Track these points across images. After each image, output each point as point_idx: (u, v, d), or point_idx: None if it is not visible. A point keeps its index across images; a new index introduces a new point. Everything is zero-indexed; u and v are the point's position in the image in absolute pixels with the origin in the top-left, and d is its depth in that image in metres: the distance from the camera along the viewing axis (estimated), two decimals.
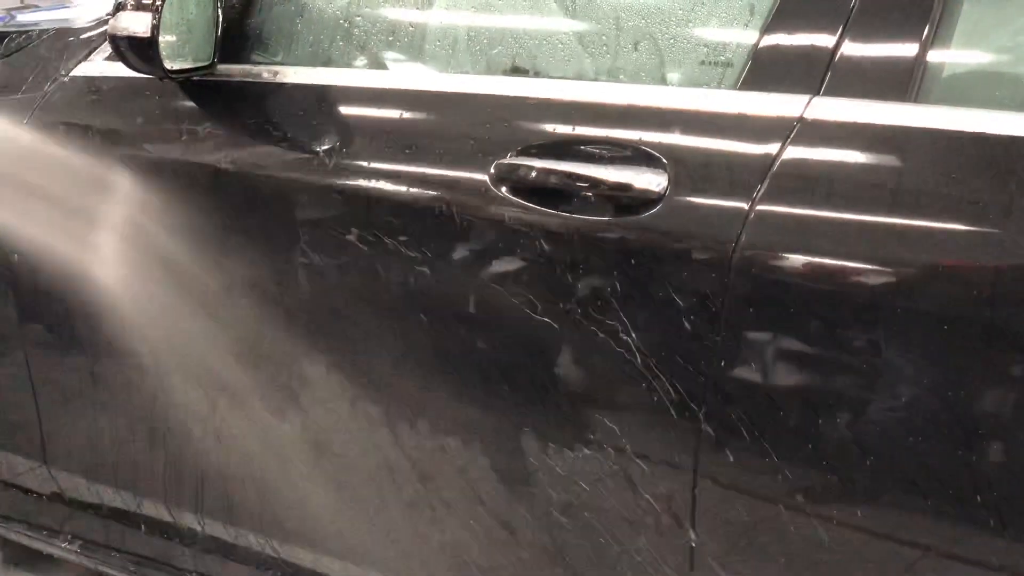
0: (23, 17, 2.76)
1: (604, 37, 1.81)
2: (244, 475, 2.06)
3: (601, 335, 1.64)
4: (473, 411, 1.79)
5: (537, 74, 1.84)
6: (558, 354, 1.69)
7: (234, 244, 1.97)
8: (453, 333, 1.77)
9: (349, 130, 1.89)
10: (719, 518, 1.61)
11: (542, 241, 1.67)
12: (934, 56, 1.54)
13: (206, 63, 1.98)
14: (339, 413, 1.91)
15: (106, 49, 2.14)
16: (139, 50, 1.89)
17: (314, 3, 2.04)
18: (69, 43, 2.25)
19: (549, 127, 1.72)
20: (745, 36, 1.68)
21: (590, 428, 1.69)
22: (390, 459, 1.88)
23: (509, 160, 1.71)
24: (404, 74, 1.97)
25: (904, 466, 1.47)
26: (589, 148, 1.67)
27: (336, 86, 1.94)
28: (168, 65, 1.91)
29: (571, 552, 1.76)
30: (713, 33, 1.75)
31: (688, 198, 1.59)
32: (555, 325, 1.67)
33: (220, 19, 1.98)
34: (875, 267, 1.48)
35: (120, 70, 2.03)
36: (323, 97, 1.93)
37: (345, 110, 1.93)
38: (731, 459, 1.58)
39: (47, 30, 2.37)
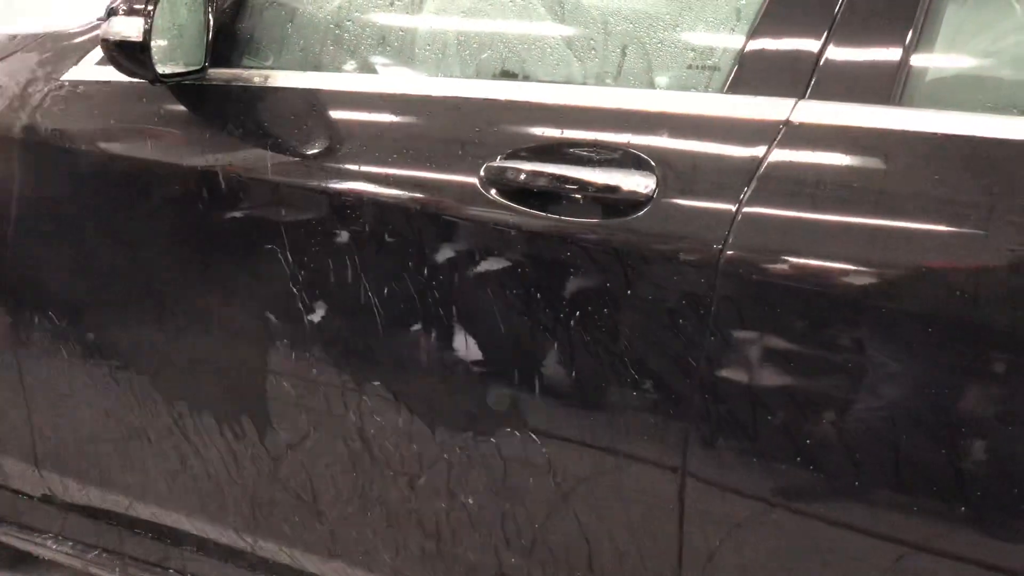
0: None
1: (592, 41, 1.83)
2: (228, 476, 2.07)
3: (589, 336, 1.65)
4: (462, 410, 1.80)
5: (526, 78, 1.85)
6: (547, 354, 1.70)
7: (223, 246, 1.98)
8: (443, 333, 1.78)
9: (340, 134, 1.91)
10: (707, 517, 1.63)
11: (531, 242, 1.69)
12: (917, 60, 1.56)
13: (197, 67, 1.99)
14: (332, 420, 1.93)
15: (97, 54, 2.16)
16: (131, 54, 1.90)
17: (304, 8, 2.06)
18: (60, 48, 2.26)
19: (538, 130, 1.74)
20: (732, 40, 1.70)
21: (578, 428, 1.70)
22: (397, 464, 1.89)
23: (499, 163, 1.72)
24: (394, 78, 1.98)
25: (890, 464, 1.49)
26: (578, 151, 1.69)
27: (327, 90, 1.95)
28: (160, 69, 1.92)
29: (559, 551, 1.78)
30: (700, 37, 1.77)
31: (676, 200, 1.61)
32: (544, 326, 1.68)
33: (211, 24, 1.99)
34: (860, 268, 1.50)
35: (111, 74, 2.04)
36: (314, 101, 1.95)
37: (336, 114, 1.94)
38: (719, 458, 1.60)
39: (36, 35, 2.39)
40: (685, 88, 1.74)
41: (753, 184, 1.56)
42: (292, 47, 2.05)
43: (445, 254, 1.77)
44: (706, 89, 1.70)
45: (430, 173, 1.80)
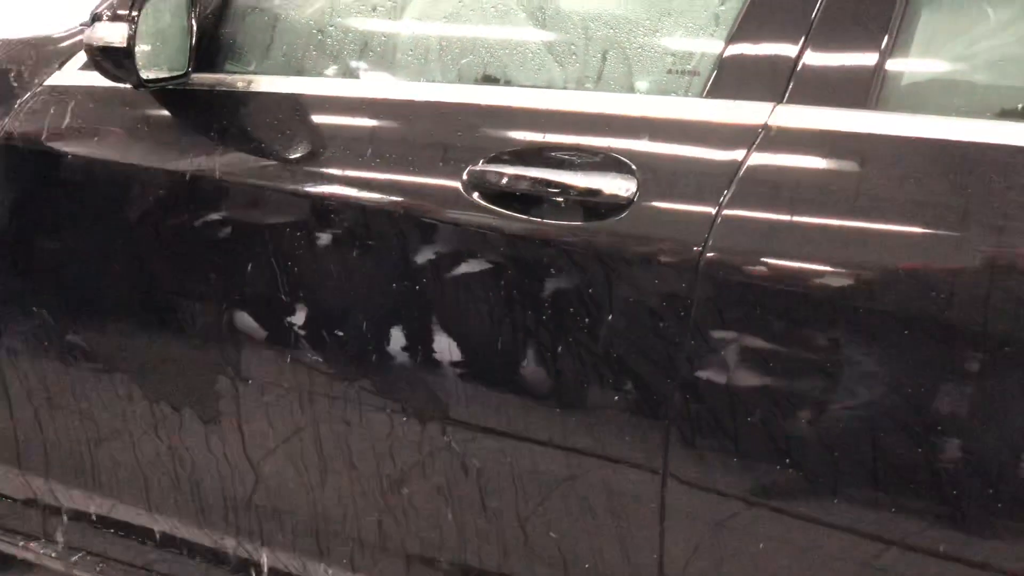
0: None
1: (573, 46, 1.85)
2: (211, 478, 2.09)
3: (570, 337, 1.67)
4: (444, 411, 1.81)
5: (508, 83, 1.87)
6: (529, 356, 1.72)
7: (208, 250, 2.00)
8: (426, 335, 1.80)
9: (323, 138, 1.93)
10: (689, 517, 1.65)
11: (514, 245, 1.71)
12: (893, 65, 1.59)
13: (181, 72, 2.00)
14: (316, 423, 1.94)
15: (80, 59, 2.17)
16: (115, 60, 1.91)
17: (287, 13, 2.07)
18: (43, 53, 2.27)
19: (520, 134, 1.76)
20: (711, 46, 1.72)
21: (559, 429, 1.72)
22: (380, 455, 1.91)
23: (481, 167, 1.74)
24: (377, 83, 2.00)
25: (869, 462, 1.51)
26: (559, 155, 1.71)
27: (310, 95, 1.97)
28: (144, 74, 1.93)
29: (540, 551, 1.80)
30: (680, 43, 1.80)
31: (657, 203, 1.63)
32: (527, 327, 1.70)
33: (194, 29, 2.00)
34: (838, 269, 1.52)
35: (94, 79, 2.06)
36: (297, 106, 1.96)
37: (319, 119, 1.96)
38: (700, 459, 1.62)
39: (19, 40, 2.40)
40: (665, 93, 1.76)
41: (733, 187, 1.58)
42: (275, 52, 2.06)
43: (428, 257, 1.79)
44: (686, 94, 1.72)
45: (413, 177, 1.82)
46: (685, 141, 1.67)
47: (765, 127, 1.60)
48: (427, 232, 1.79)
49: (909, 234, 1.50)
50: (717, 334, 1.58)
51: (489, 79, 1.89)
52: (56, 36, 2.27)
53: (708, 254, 1.57)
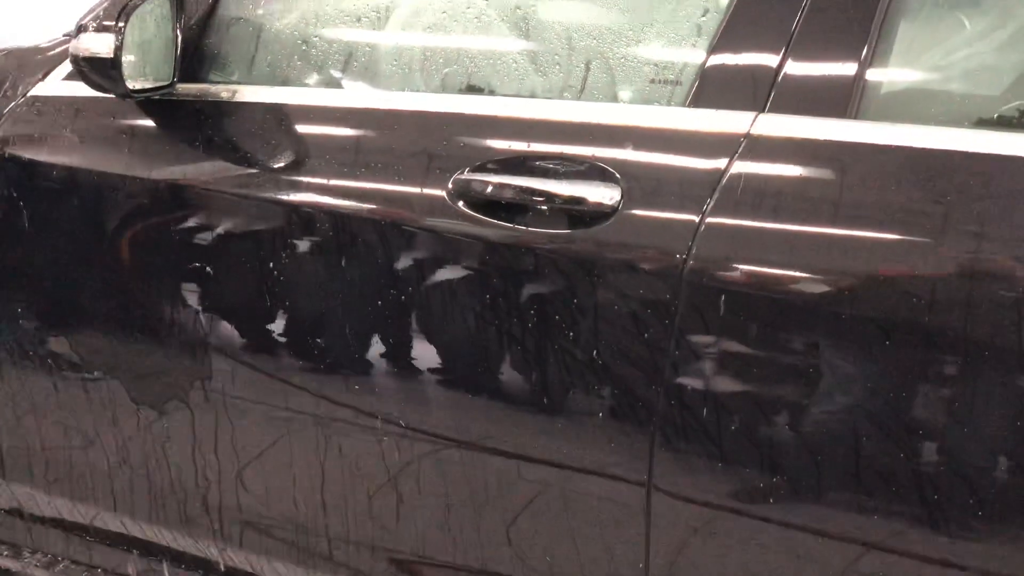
0: None
1: (557, 57, 1.87)
2: (195, 486, 2.09)
3: (556, 345, 1.69)
4: (430, 419, 1.83)
5: (492, 92, 1.89)
6: (515, 364, 1.74)
7: (193, 259, 2.01)
8: (412, 343, 1.81)
9: (308, 148, 1.94)
10: (674, 523, 1.66)
11: (499, 253, 1.73)
12: (873, 75, 1.62)
13: (166, 82, 2.01)
14: (303, 431, 1.95)
15: (64, 69, 2.18)
16: (102, 70, 1.92)
17: (271, 24, 2.09)
18: (26, 64, 2.27)
19: (504, 143, 1.78)
20: (693, 56, 1.75)
21: (545, 435, 1.73)
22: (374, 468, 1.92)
23: (466, 175, 1.76)
24: (362, 93, 2.01)
25: (852, 467, 1.53)
26: (544, 163, 1.72)
27: (295, 105, 1.98)
28: (129, 85, 1.94)
29: (527, 558, 1.81)
30: (662, 53, 1.82)
31: (641, 211, 1.65)
32: (512, 335, 1.72)
33: (179, 39, 2.01)
34: (820, 276, 1.55)
35: (78, 89, 2.07)
36: (282, 116, 1.97)
37: (304, 128, 1.97)
38: (685, 465, 1.63)
39: (2, 51, 2.40)
40: (648, 102, 1.78)
41: (716, 195, 1.60)
42: (260, 62, 2.07)
43: (413, 265, 1.81)
44: (668, 103, 1.75)
45: (398, 186, 1.83)
46: (668, 150, 1.69)
47: (747, 136, 1.62)
48: (413, 240, 1.81)
49: (889, 241, 1.53)
50: (701, 341, 1.60)
51: (473, 89, 1.91)
52: (42, 46, 2.28)
53: (692, 262, 1.59)
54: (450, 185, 1.76)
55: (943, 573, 1.51)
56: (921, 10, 1.69)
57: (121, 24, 1.89)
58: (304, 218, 1.89)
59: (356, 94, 2.00)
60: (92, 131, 2.13)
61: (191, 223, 2.00)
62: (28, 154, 2.16)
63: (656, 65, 1.81)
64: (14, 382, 2.25)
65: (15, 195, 2.18)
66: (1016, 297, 1.44)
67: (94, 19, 1.93)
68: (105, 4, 1.95)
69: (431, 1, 2.04)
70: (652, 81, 1.80)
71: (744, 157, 1.61)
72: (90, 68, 1.93)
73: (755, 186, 1.60)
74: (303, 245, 1.90)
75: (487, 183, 1.74)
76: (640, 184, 1.66)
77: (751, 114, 1.63)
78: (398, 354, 1.82)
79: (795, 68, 1.64)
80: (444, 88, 1.94)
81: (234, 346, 1.99)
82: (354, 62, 2.04)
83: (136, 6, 1.91)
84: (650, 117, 1.72)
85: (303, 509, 1.99)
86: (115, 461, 2.17)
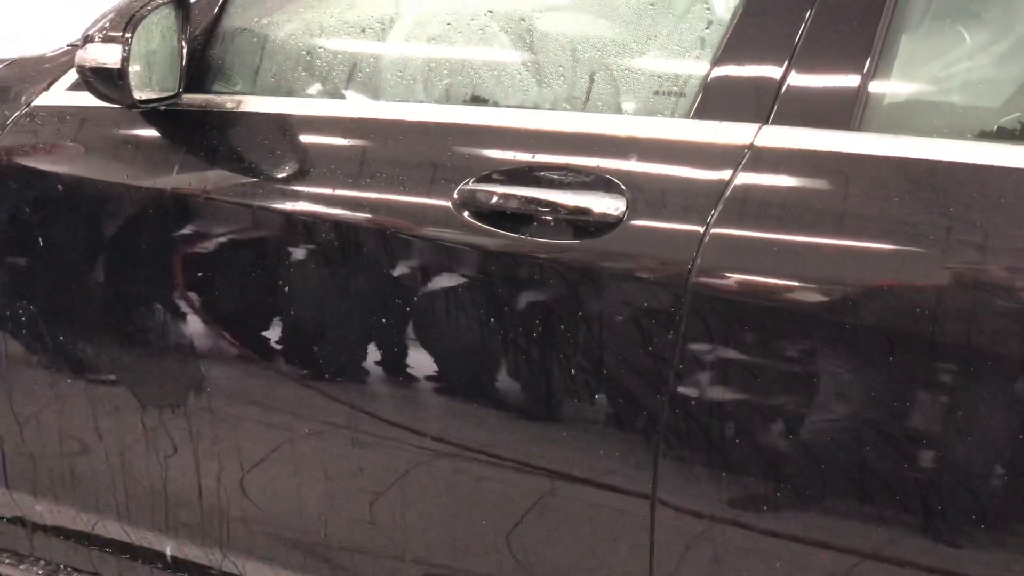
0: None
1: (562, 68, 1.88)
2: (197, 493, 2.10)
3: (561, 354, 1.70)
4: (438, 428, 1.84)
5: (496, 104, 1.91)
6: (519, 372, 1.75)
7: (198, 269, 2.02)
8: (418, 354, 1.83)
9: (314, 158, 1.95)
10: (678, 531, 1.67)
11: (505, 263, 1.74)
12: (875, 87, 1.63)
13: (172, 93, 2.02)
14: (307, 438, 1.96)
15: (67, 80, 2.19)
16: (108, 81, 1.93)
17: (276, 34, 2.10)
18: (29, 74, 2.28)
19: (510, 154, 1.79)
20: (697, 68, 1.76)
21: (548, 444, 1.75)
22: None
23: (471, 186, 1.77)
24: (366, 104, 2.02)
25: (857, 477, 1.54)
26: (549, 174, 1.74)
27: (300, 115, 1.99)
28: (136, 95, 1.95)
29: (530, 568, 1.82)
30: (666, 65, 1.84)
31: (645, 222, 1.67)
32: (517, 344, 1.73)
33: (185, 50, 2.03)
34: (823, 286, 1.56)
35: (81, 100, 2.08)
36: (287, 126, 1.98)
37: (309, 139, 1.98)
38: (689, 475, 1.64)
39: (5, 61, 2.41)
40: (652, 114, 1.80)
41: (720, 206, 1.61)
42: (264, 73, 2.09)
43: (418, 275, 1.82)
44: (672, 115, 1.76)
45: (403, 196, 1.84)
46: (673, 161, 1.70)
47: (751, 147, 1.63)
48: (418, 250, 1.82)
49: (892, 251, 1.54)
50: (706, 351, 1.62)
51: (477, 100, 1.92)
52: (46, 56, 2.29)
53: (696, 272, 1.60)
54: (455, 195, 1.78)
55: None
56: (922, 23, 1.71)
57: (128, 35, 1.90)
58: (310, 228, 1.90)
59: (361, 105, 2.02)
60: (96, 141, 2.14)
61: (196, 232, 2.02)
62: (31, 164, 2.18)
63: (660, 77, 1.83)
64: (16, 389, 2.26)
65: (18, 205, 2.19)
66: (1018, 308, 1.46)
67: (100, 30, 1.94)
68: (111, 15, 1.96)
69: (436, 13, 2.06)
70: (656, 93, 1.82)
71: (748, 168, 1.62)
72: (97, 78, 1.94)
73: (759, 197, 1.62)
74: (309, 255, 1.91)
75: (492, 193, 1.76)
76: (645, 195, 1.67)
77: (755, 126, 1.65)
78: (403, 364, 1.83)
79: (799, 80, 1.65)
80: (449, 99, 1.95)
81: (236, 356, 2.00)
82: (359, 73, 2.05)
83: (143, 17, 1.92)
84: (655, 128, 1.74)
85: (309, 518, 2.00)
86: (118, 468, 2.17)
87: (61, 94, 2.20)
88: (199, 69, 2.07)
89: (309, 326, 1.93)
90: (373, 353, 1.86)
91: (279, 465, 1.99)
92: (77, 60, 1.96)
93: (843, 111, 1.62)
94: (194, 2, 2.07)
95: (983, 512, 1.49)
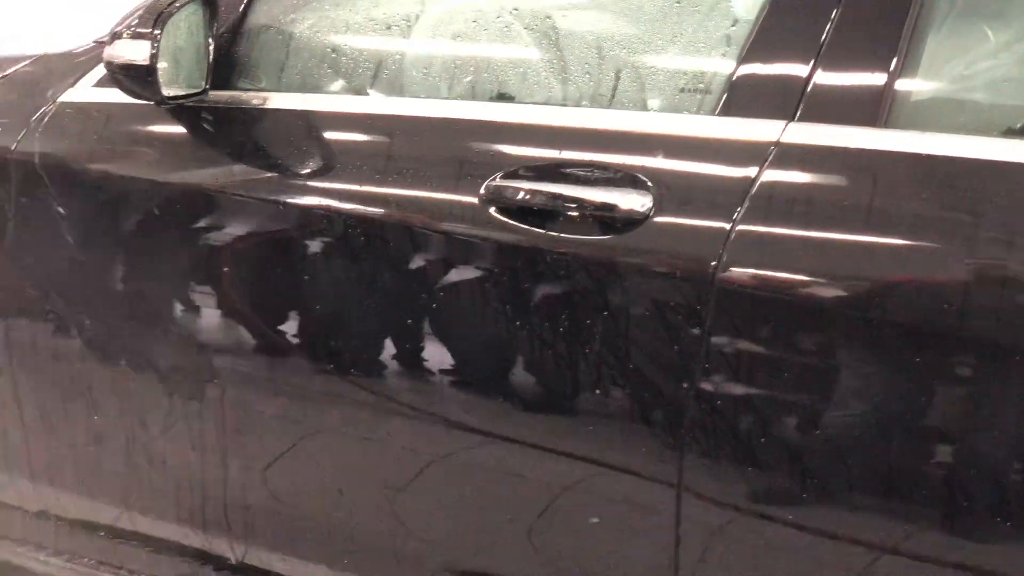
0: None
1: (587, 66, 1.89)
2: (220, 486, 2.12)
3: (587, 349, 1.71)
4: (468, 421, 1.85)
5: (522, 101, 1.92)
6: (545, 366, 1.76)
7: (224, 265, 2.03)
8: (445, 347, 1.84)
9: (341, 154, 1.97)
10: (703, 526, 1.68)
11: (531, 258, 1.75)
12: (902, 84, 1.64)
13: (198, 89, 2.03)
14: (341, 432, 1.98)
15: (94, 76, 2.20)
16: (138, 77, 1.94)
17: (302, 32, 2.11)
18: (56, 70, 2.30)
19: (536, 151, 1.80)
20: (723, 65, 1.77)
21: (576, 438, 1.76)
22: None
23: (498, 182, 1.78)
24: (393, 100, 2.03)
25: (883, 472, 1.56)
26: (576, 170, 1.75)
27: (327, 112, 2.01)
28: (164, 92, 1.97)
29: (555, 559, 1.83)
30: (691, 63, 1.84)
31: (672, 218, 1.68)
32: (543, 338, 1.74)
33: (212, 47, 2.04)
34: (849, 283, 1.57)
35: (109, 96, 2.09)
36: (314, 123, 2.00)
37: (336, 135, 2.00)
38: (715, 470, 1.65)
39: (23, 57, 2.43)
40: (678, 111, 1.81)
41: (746, 203, 1.62)
42: (290, 70, 2.10)
43: (445, 271, 1.83)
44: (698, 112, 1.77)
45: (430, 192, 1.86)
46: (699, 158, 1.71)
47: (777, 144, 1.64)
48: (445, 246, 1.83)
49: (918, 248, 1.55)
50: (731, 347, 1.63)
51: (503, 97, 1.94)
52: (73, 52, 2.30)
53: (723, 268, 1.61)
54: (482, 191, 1.79)
55: None
56: (947, 21, 1.72)
57: (157, 31, 1.92)
58: (336, 224, 1.91)
59: (387, 101, 2.03)
60: (122, 137, 2.16)
61: (223, 229, 2.03)
62: (59, 159, 2.19)
63: (686, 74, 1.84)
64: (41, 382, 2.27)
65: (46, 200, 2.20)
66: None
67: (128, 27, 1.95)
68: (139, 11, 1.98)
69: (461, 10, 2.07)
70: (682, 90, 1.82)
71: (774, 165, 1.63)
72: (126, 75, 1.96)
73: (785, 194, 1.63)
74: (335, 251, 1.92)
75: (519, 189, 1.77)
76: (671, 191, 1.68)
77: (781, 122, 1.65)
78: (431, 358, 1.85)
79: (825, 77, 1.66)
80: (474, 96, 1.96)
81: (263, 350, 2.02)
82: (384, 70, 2.06)
83: (171, 14, 1.94)
84: (681, 125, 1.75)
85: (337, 511, 2.01)
86: (143, 461, 2.19)
87: (88, 90, 2.22)
88: (225, 66, 2.09)
89: (336, 321, 1.94)
90: (400, 348, 1.87)
91: (308, 458, 2.00)
92: (106, 56, 1.97)
93: (870, 108, 1.62)
94: None
95: (1011, 507, 1.49)
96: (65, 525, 2.34)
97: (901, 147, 1.60)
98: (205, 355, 2.08)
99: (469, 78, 1.99)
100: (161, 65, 1.96)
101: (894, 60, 1.63)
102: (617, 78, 1.86)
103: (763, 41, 1.72)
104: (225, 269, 2.03)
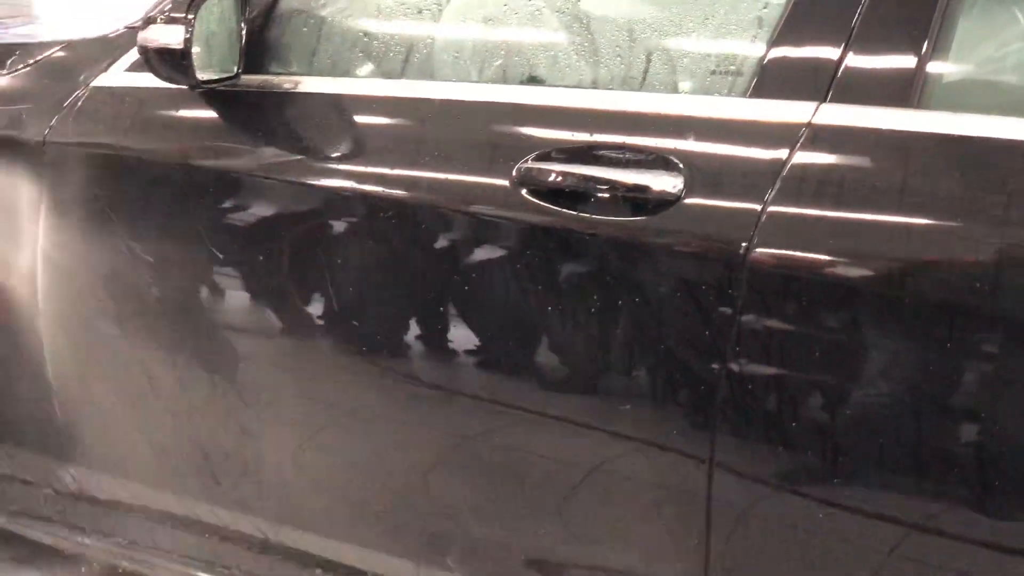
0: (17, 30, 2.83)
1: (619, 48, 1.90)
2: (256, 467, 2.14)
3: (619, 328, 1.72)
4: (503, 399, 1.87)
5: (553, 84, 1.93)
6: (578, 346, 1.77)
7: (259, 248, 2.05)
8: (478, 328, 1.86)
9: (373, 138, 1.98)
10: (734, 506, 1.69)
11: (563, 240, 1.76)
12: (934, 65, 1.64)
13: (231, 74, 2.05)
14: (371, 417, 2.00)
15: (126, 60, 2.22)
16: (172, 61, 1.96)
17: (333, 16, 2.12)
18: (88, 55, 2.32)
19: (568, 134, 1.81)
20: (754, 48, 1.77)
21: (606, 417, 1.77)
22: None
23: (530, 164, 1.79)
24: (424, 84, 2.04)
25: (914, 452, 1.56)
26: (608, 152, 1.75)
27: (358, 95, 2.02)
28: (198, 76, 1.98)
29: (585, 538, 1.85)
30: (723, 45, 1.85)
31: (704, 200, 1.68)
32: (576, 319, 1.76)
33: (244, 31, 2.06)
34: (879, 264, 1.57)
35: (141, 80, 2.11)
36: (345, 106, 2.01)
37: (367, 119, 2.01)
38: (746, 449, 1.67)
39: (53, 42, 2.44)
40: (709, 93, 1.81)
41: (777, 184, 1.63)
42: (321, 54, 2.11)
43: (478, 252, 1.85)
44: (729, 94, 1.78)
45: (462, 175, 1.87)
46: (731, 140, 1.72)
47: (809, 126, 1.64)
48: (477, 228, 1.84)
49: (953, 228, 1.55)
50: (762, 325, 1.64)
51: (534, 80, 1.95)
52: (107, 37, 2.31)
53: (754, 249, 1.62)
54: (514, 173, 1.80)
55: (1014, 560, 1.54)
56: (977, 3, 1.72)
57: (191, 16, 1.93)
58: (368, 207, 1.93)
59: (418, 85, 2.03)
60: (155, 120, 2.18)
61: (254, 213, 2.05)
62: (93, 143, 2.21)
63: (717, 56, 1.85)
64: (74, 363, 2.30)
65: (79, 183, 2.22)
66: None
67: (162, 11, 1.97)
68: None
69: None
70: (713, 72, 1.83)
71: (806, 147, 1.64)
72: (160, 60, 1.98)
73: (817, 175, 1.63)
74: (367, 234, 1.94)
75: (551, 171, 1.77)
76: (703, 173, 1.69)
77: (812, 104, 1.66)
78: (464, 338, 1.86)
79: (856, 59, 1.66)
80: (505, 79, 1.97)
81: (298, 332, 2.04)
82: (415, 54, 2.07)
83: None
84: (712, 107, 1.75)
85: (374, 492, 2.03)
86: (175, 443, 2.21)
87: (120, 75, 2.23)
88: (257, 50, 2.10)
89: (369, 304, 1.96)
90: (432, 329, 1.89)
91: (339, 438, 2.02)
92: (139, 41, 1.99)
93: (902, 89, 1.62)
94: None
95: None
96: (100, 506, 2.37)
97: (933, 128, 1.60)
98: (240, 337, 2.10)
99: (500, 61, 1.99)
100: (195, 50, 1.97)
101: (925, 41, 1.63)
102: (648, 61, 1.87)
103: (795, 22, 1.72)
104: (257, 255, 2.05)
